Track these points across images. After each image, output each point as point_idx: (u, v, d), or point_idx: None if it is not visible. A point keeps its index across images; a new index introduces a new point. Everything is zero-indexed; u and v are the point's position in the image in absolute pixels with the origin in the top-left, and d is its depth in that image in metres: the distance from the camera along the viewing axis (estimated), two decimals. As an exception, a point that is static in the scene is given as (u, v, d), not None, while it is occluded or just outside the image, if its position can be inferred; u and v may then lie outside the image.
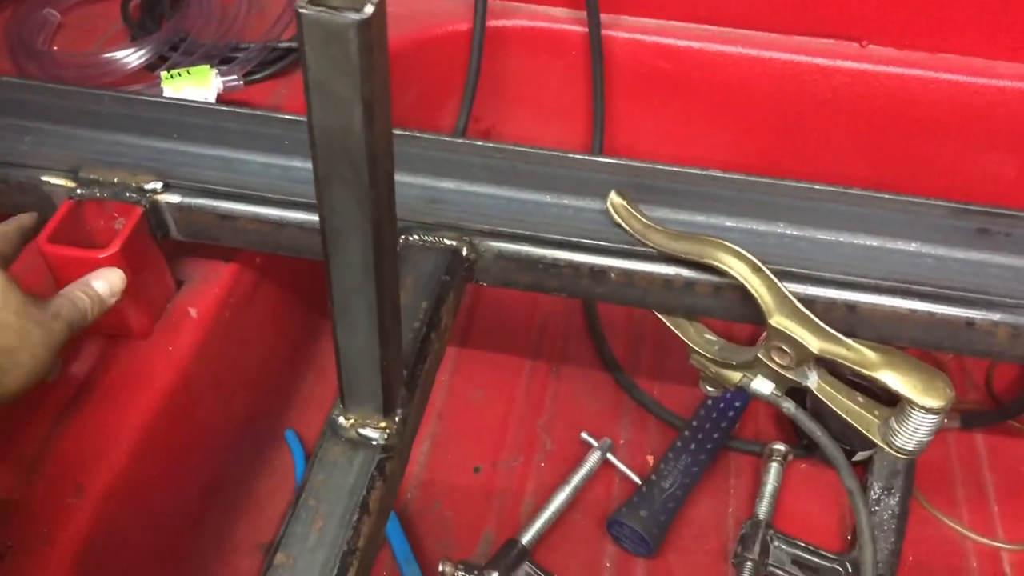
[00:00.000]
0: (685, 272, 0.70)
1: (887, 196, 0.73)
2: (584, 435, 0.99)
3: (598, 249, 0.71)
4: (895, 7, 1.09)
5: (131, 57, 1.05)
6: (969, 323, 0.67)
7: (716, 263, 0.67)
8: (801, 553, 0.91)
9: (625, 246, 0.71)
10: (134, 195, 0.74)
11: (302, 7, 0.39)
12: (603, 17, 1.15)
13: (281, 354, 0.99)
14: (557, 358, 1.12)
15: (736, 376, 0.74)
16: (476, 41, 1.15)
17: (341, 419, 0.59)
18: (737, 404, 1.03)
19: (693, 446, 0.99)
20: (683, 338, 0.75)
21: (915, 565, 0.95)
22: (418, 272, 0.69)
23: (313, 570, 0.52)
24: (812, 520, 0.97)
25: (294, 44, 1.07)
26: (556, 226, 0.72)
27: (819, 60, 1.12)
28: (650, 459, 1.02)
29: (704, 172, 0.74)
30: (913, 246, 0.70)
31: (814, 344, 0.65)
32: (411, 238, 0.71)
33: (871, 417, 0.68)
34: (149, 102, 0.81)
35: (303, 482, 0.57)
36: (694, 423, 1.01)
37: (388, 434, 0.59)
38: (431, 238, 0.71)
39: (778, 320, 0.66)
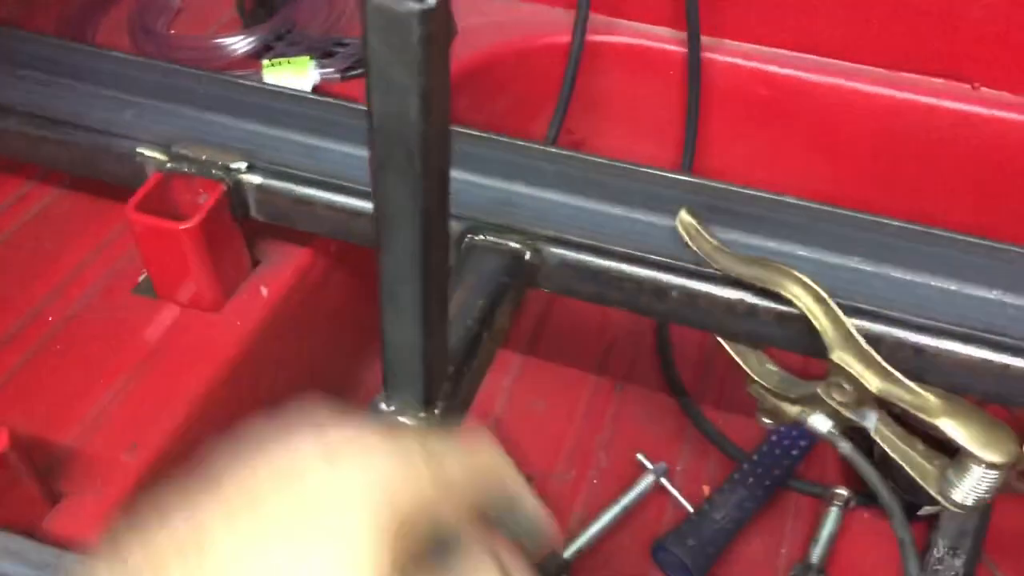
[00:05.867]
0: (749, 298, 0.68)
1: (972, 240, 0.70)
2: (640, 456, 0.97)
3: (662, 266, 0.70)
4: (1014, 50, 1.05)
5: (239, 44, 1.09)
6: (1047, 380, 0.63)
7: (781, 291, 0.65)
8: (852, 604, 0.87)
9: (690, 266, 0.69)
10: (219, 172, 0.76)
11: (367, -7, 0.40)
12: (705, 40, 1.14)
13: (348, 343, 1.01)
14: (623, 376, 1.11)
15: (794, 410, 0.72)
16: (574, 53, 1.15)
17: (382, 404, 0.60)
18: (802, 444, 1.00)
19: (751, 480, 0.96)
20: (743, 366, 0.73)
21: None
22: (479, 272, 0.69)
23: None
24: (867, 572, 0.93)
25: (395, 43, 1.09)
26: (623, 239, 0.71)
27: (926, 99, 1.08)
28: (706, 489, 1.00)
29: (779, 198, 0.73)
30: (994, 293, 0.67)
31: (874, 383, 0.63)
32: (477, 238, 0.72)
33: (930, 467, 0.65)
34: (245, 86, 0.84)
35: (339, 463, 0.57)
36: (755, 457, 0.99)
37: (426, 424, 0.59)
38: (496, 240, 0.71)
39: (840, 355, 0.64)
